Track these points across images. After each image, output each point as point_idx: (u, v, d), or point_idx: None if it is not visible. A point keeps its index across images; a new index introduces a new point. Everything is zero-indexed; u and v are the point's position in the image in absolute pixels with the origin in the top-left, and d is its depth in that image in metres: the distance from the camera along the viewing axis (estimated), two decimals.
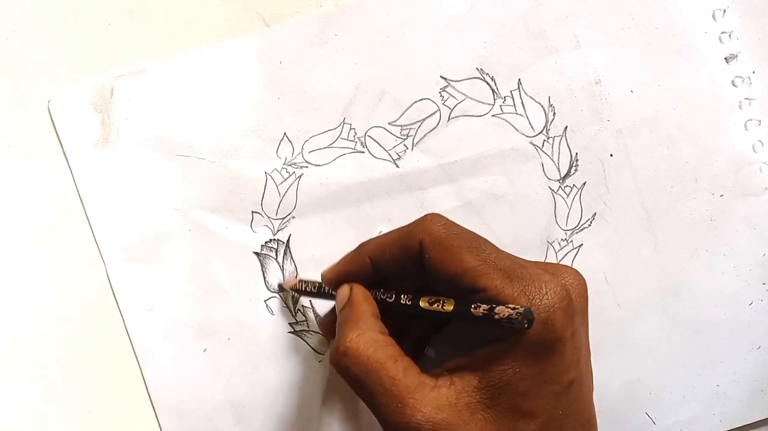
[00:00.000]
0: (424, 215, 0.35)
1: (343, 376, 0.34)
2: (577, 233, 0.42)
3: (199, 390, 0.42)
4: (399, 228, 0.36)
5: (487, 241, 0.35)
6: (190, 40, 0.41)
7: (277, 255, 0.42)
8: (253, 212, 0.41)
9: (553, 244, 0.42)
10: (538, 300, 0.31)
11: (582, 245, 0.42)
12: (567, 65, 0.42)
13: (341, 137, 0.41)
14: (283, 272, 0.42)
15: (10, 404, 0.41)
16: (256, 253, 0.42)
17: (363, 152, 0.42)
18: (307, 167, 0.41)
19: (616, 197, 0.42)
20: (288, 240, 0.42)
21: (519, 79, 0.42)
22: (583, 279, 0.35)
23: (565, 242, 0.42)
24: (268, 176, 0.41)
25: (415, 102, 0.41)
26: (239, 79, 0.41)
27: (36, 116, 0.40)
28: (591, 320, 0.42)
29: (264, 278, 0.42)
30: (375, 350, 0.33)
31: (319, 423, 0.42)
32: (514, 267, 0.33)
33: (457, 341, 0.40)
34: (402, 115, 0.42)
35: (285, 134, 0.41)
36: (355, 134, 0.42)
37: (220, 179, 0.41)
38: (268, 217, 0.42)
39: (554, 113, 0.42)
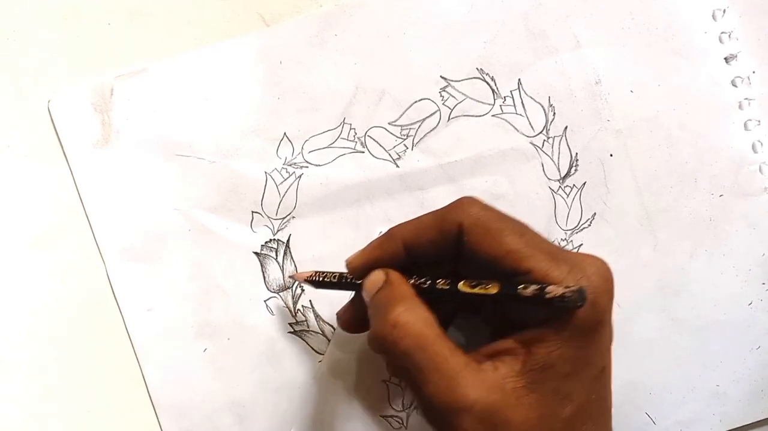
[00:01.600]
0: (461, 198, 0.34)
1: (389, 350, 0.32)
2: (577, 233, 0.42)
3: (199, 390, 0.42)
4: (433, 212, 0.35)
5: (527, 225, 0.34)
6: (190, 40, 0.41)
7: (277, 255, 0.42)
8: (253, 212, 0.41)
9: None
10: (585, 281, 0.31)
11: (582, 245, 0.42)
12: (567, 65, 0.42)
13: (341, 137, 0.41)
14: (283, 272, 0.42)
15: (10, 404, 0.41)
16: (256, 253, 0.42)
17: (363, 152, 0.42)
18: (307, 166, 0.41)
19: (616, 197, 0.42)
20: (288, 240, 0.42)
21: (519, 79, 0.42)
22: (610, 270, 0.34)
23: (565, 242, 0.42)
24: (268, 176, 0.41)
25: (415, 102, 0.41)
26: (239, 79, 0.41)
27: (36, 116, 0.40)
28: None
29: (264, 278, 0.42)
30: (425, 326, 0.32)
31: (319, 422, 0.42)
32: (557, 251, 0.32)
33: (475, 329, 0.38)
34: (402, 115, 0.42)
35: (285, 134, 0.41)
36: (355, 133, 0.42)
37: (220, 179, 0.41)
38: (268, 217, 0.42)
39: (554, 113, 0.42)
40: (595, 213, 0.42)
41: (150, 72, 0.41)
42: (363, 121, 0.41)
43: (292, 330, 0.42)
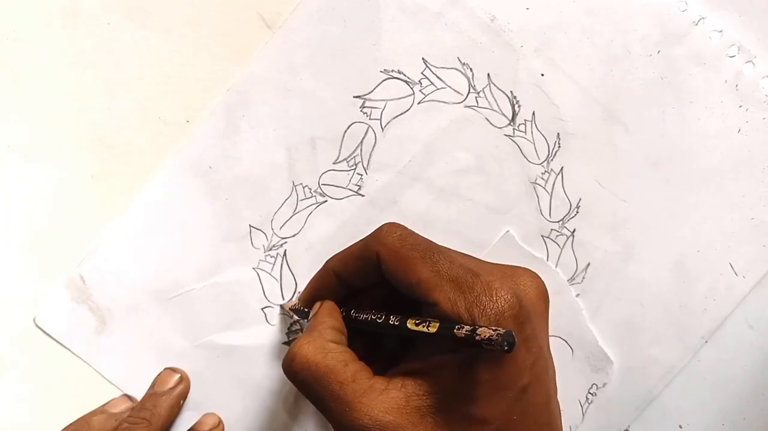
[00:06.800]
0: (382, 225, 0.36)
1: (292, 381, 0.34)
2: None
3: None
4: (359, 240, 0.37)
5: (443, 250, 0.35)
6: (190, 40, 0.41)
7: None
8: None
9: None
10: (489, 309, 0.32)
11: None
12: (458, 22, 0.41)
13: (300, 199, 0.42)
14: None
15: (10, 404, 0.41)
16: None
17: (326, 201, 0.42)
18: (285, 242, 0.42)
19: (567, 105, 0.42)
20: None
21: (424, 59, 0.41)
22: (541, 281, 0.35)
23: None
24: (258, 271, 0.42)
25: (345, 131, 0.41)
26: (184, 201, 0.41)
27: (36, 117, 0.41)
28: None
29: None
30: (324, 356, 0.33)
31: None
32: (466, 277, 0.33)
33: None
34: (340, 150, 0.42)
35: (250, 226, 0.42)
36: (310, 189, 0.42)
37: (218, 297, 0.42)
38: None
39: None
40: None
41: (105, 244, 0.41)
42: (310, 175, 0.42)
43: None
